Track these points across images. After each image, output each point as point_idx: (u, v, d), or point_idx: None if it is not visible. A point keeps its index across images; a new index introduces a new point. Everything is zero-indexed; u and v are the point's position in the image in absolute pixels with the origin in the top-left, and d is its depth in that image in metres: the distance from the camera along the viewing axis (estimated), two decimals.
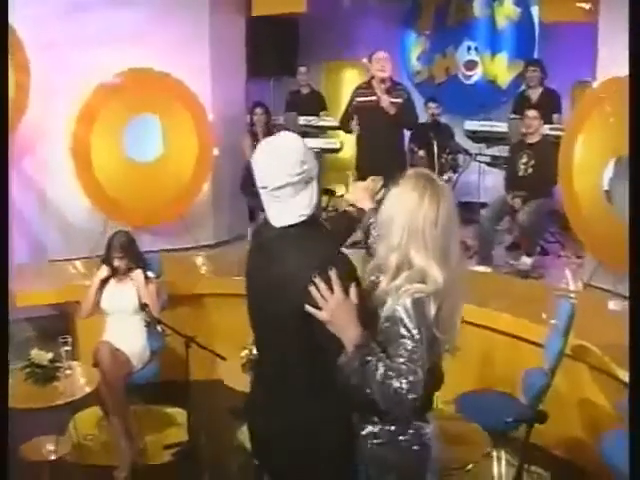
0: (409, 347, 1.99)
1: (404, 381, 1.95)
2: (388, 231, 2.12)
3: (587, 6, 6.40)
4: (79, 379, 3.73)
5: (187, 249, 6.58)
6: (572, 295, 5.19)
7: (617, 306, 4.95)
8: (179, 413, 4.55)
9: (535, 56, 8.61)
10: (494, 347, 4.55)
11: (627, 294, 5.10)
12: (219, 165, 6.87)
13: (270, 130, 6.95)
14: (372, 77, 6.05)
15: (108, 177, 6.17)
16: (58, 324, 5.39)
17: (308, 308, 2.02)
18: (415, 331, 2.00)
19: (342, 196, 9.03)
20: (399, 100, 5.95)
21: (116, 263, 4.27)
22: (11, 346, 4.30)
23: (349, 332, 2.00)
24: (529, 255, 6.00)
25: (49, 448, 3.78)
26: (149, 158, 6.40)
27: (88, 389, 3.70)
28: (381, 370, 1.96)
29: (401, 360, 1.98)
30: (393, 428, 2.18)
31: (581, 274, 5.83)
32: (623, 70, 5.04)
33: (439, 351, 2.16)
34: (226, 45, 6.98)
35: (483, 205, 7.69)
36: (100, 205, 6.23)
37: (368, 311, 2.09)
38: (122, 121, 6.17)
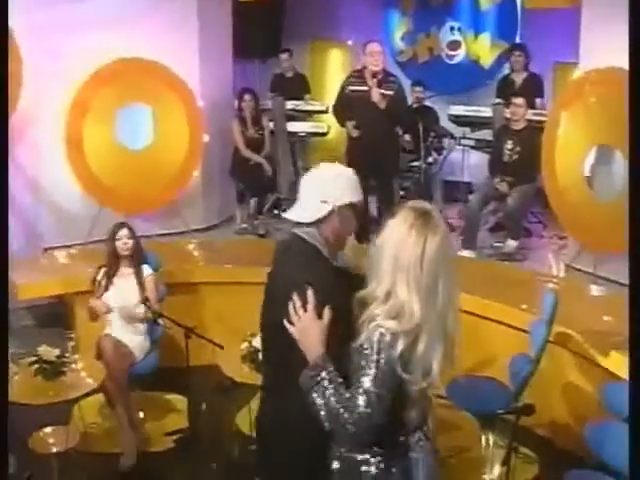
0: (365, 382, 2.02)
1: (348, 413, 2.01)
2: (378, 260, 2.12)
3: None
4: (85, 373, 3.87)
5: (178, 233, 6.70)
6: (555, 281, 5.41)
7: (598, 291, 5.16)
8: (179, 400, 4.71)
9: (517, 36, 8.73)
10: (480, 332, 4.72)
11: (608, 276, 5.34)
12: (208, 149, 6.96)
13: (258, 115, 7.05)
14: (364, 67, 6.16)
15: (101, 165, 6.26)
16: (55, 312, 5.55)
17: (285, 322, 2.18)
18: (373, 366, 2.02)
19: None
20: (390, 92, 6.07)
21: (123, 241, 4.41)
22: (10, 334, 4.46)
23: (312, 351, 2.12)
24: (514, 239, 6.18)
25: (56, 439, 3.91)
26: (141, 145, 6.50)
27: (94, 383, 3.85)
28: (329, 392, 2.04)
29: (357, 391, 2.02)
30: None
31: (563, 257, 6.04)
32: (606, 57, 5.23)
33: (408, 389, 2.09)
34: (214, 29, 7.04)
35: (467, 184, 7.89)
36: (93, 192, 6.32)
37: (345, 336, 2.14)
38: (114, 109, 6.25)
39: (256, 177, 6.88)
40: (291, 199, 7.84)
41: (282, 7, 8.87)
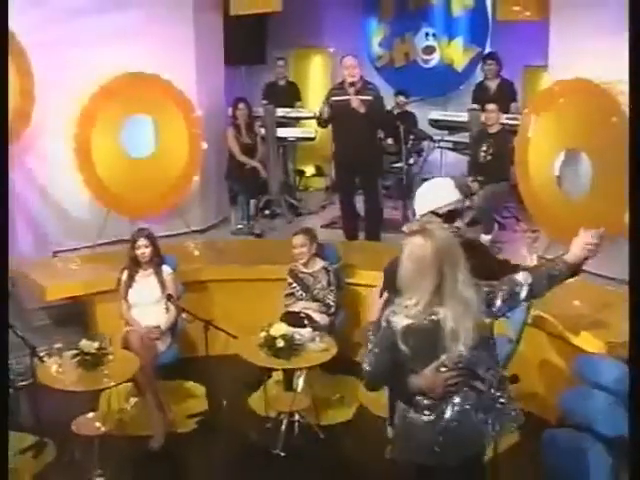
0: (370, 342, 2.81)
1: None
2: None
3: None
4: (121, 364, 4.33)
5: (180, 234, 7.17)
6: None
7: (568, 280, 5.73)
8: (197, 387, 5.22)
9: (489, 40, 9.31)
10: None
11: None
12: (204, 155, 7.40)
13: (252, 122, 7.54)
14: (344, 79, 6.68)
15: (108, 172, 6.70)
16: (72, 312, 5.98)
17: None
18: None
19: (312, 176, 9.74)
20: (369, 98, 6.59)
21: (141, 250, 4.87)
22: (31, 332, 4.89)
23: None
24: (487, 234, 6.75)
25: (96, 423, 4.38)
26: (145, 154, 6.95)
27: (130, 373, 4.32)
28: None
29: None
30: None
31: (535, 248, 6.60)
32: (573, 68, 5.80)
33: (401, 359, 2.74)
34: (208, 42, 7.53)
35: None
36: (101, 198, 6.76)
37: None
38: (119, 120, 6.70)
39: (251, 180, 7.38)
40: (280, 200, 8.31)
41: (266, 16, 9.31)
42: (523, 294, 2.80)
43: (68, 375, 4.14)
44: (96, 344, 4.21)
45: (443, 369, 2.69)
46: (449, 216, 3.03)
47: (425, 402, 2.75)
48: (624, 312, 4.81)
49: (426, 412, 2.76)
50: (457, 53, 9.64)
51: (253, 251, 6.61)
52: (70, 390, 4.14)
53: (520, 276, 2.81)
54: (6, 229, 3.69)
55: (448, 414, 2.72)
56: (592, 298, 5.08)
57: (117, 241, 6.70)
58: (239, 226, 7.56)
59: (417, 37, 9.75)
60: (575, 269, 2.94)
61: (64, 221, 6.79)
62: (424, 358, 2.69)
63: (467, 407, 2.74)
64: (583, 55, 5.85)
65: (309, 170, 9.77)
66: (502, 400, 2.83)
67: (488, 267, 3.06)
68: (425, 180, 8.34)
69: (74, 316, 5.80)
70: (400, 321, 2.66)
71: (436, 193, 3.17)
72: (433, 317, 2.63)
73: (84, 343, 4.21)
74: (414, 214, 3.45)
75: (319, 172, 9.74)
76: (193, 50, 7.24)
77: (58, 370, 4.18)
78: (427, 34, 9.73)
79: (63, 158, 6.59)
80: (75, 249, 6.75)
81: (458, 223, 3.20)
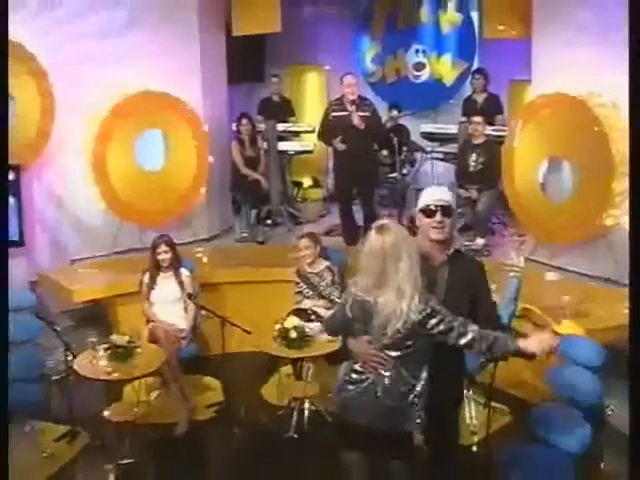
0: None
1: None
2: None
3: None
4: (149, 356, 4.76)
5: (189, 243, 7.60)
6: (517, 270, 6.44)
7: (552, 277, 6.24)
8: (212, 381, 5.68)
9: (476, 57, 9.82)
10: None
11: (559, 266, 6.40)
12: (209, 168, 7.88)
13: (255, 136, 8.02)
14: (343, 96, 7.16)
15: (122, 184, 7.15)
16: (95, 313, 6.41)
17: None
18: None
19: (309, 187, 10.22)
20: (367, 114, 7.09)
21: (162, 256, 5.32)
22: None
23: None
24: (482, 237, 7.24)
25: (126, 411, 4.81)
26: (156, 167, 7.43)
27: (156, 364, 4.75)
28: None
29: None
30: None
31: (523, 251, 7.09)
32: (554, 82, 6.29)
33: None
34: (212, 62, 8.02)
35: None
36: (115, 208, 7.19)
37: None
38: (133, 136, 7.17)
39: (255, 191, 7.85)
40: (281, 210, 8.78)
41: (265, 36, 9.80)
42: (458, 339, 3.07)
43: (102, 366, 4.56)
44: (126, 337, 4.64)
45: (370, 344, 3.17)
46: (444, 211, 3.31)
47: (358, 368, 3.23)
48: (601, 303, 5.37)
49: (353, 379, 3.25)
50: (446, 69, 10.14)
51: (258, 255, 7.08)
52: (103, 380, 4.56)
53: (472, 326, 3.09)
54: (6, 228, 3.91)
55: (378, 389, 3.17)
56: (574, 293, 5.57)
57: (130, 250, 7.21)
58: (243, 234, 8.01)
59: (408, 54, 10.25)
60: (520, 355, 3.16)
61: (81, 232, 7.20)
62: (361, 328, 3.21)
63: (394, 387, 3.16)
64: (563, 70, 6.36)
65: (306, 182, 10.25)
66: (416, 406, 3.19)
67: (474, 294, 3.35)
68: (418, 190, 9.01)
69: (96, 317, 6.24)
70: (352, 293, 3.21)
71: (433, 191, 3.48)
72: (372, 297, 3.12)
73: (115, 337, 4.65)
74: (408, 221, 3.86)
75: (316, 183, 10.24)
76: (199, 69, 7.72)
77: (92, 362, 4.59)
78: (417, 51, 10.24)
79: (80, 172, 7.02)
80: (91, 258, 7.17)
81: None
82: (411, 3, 10.13)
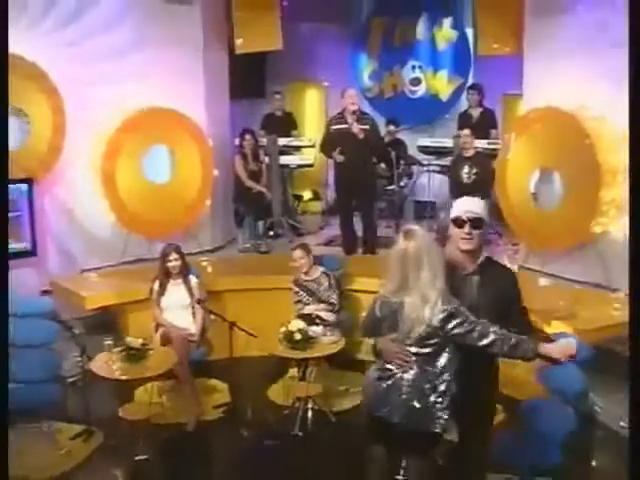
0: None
1: None
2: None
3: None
4: (161, 358, 5.01)
5: (195, 253, 7.86)
6: None
7: (545, 282, 6.51)
8: (220, 383, 5.91)
9: (471, 73, 10.13)
10: None
11: (551, 272, 6.67)
12: (214, 181, 8.14)
13: (257, 151, 8.31)
14: (343, 109, 7.45)
15: (130, 197, 7.42)
16: (105, 320, 6.65)
17: None
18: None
19: (309, 200, 10.51)
20: (366, 127, 7.38)
21: (172, 264, 5.58)
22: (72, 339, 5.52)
23: None
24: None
25: (140, 410, 5.06)
26: (163, 181, 7.71)
27: (167, 365, 4.99)
28: None
29: None
30: None
31: (517, 259, 7.37)
32: (545, 97, 6.57)
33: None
34: (215, 78, 8.32)
35: (432, 203, 9.22)
36: (123, 220, 7.46)
37: None
38: (140, 151, 7.45)
39: (258, 203, 8.14)
40: (283, 222, 9.11)
41: (266, 54, 10.11)
42: (479, 340, 3.13)
43: (117, 367, 4.81)
44: (140, 340, 4.90)
45: (396, 343, 3.32)
46: (473, 223, 3.36)
47: (385, 366, 3.37)
48: (590, 306, 5.64)
49: (382, 375, 3.37)
50: (442, 84, 10.43)
51: (260, 264, 7.35)
52: (118, 379, 4.80)
53: (493, 327, 3.14)
54: (6, 227, 3.93)
55: (403, 385, 3.30)
56: (565, 297, 5.83)
57: (138, 260, 7.48)
58: (246, 245, 8.28)
59: (404, 70, 10.56)
60: (538, 358, 3.24)
61: (90, 242, 7.46)
62: (388, 328, 3.37)
63: (418, 385, 3.25)
64: (553, 85, 6.65)
65: (306, 195, 10.53)
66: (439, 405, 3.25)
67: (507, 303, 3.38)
68: (416, 202, 9.34)
69: (107, 324, 6.47)
70: (381, 294, 3.38)
71: (464, 202, 3.53)
72: (399, 299, 3.27)
73: (130, 339, 4.90)
74: (437, 230, 3.93)
75: (316, 196, 10.52)
76: (203, 86, 8.02)
77: (108, 363, 4.84)
78: (414, 67, 10.55)
79: (90, 186, 7.29)
80: (100, 267, 7.42)
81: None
82: (407, 20, 10.44)
